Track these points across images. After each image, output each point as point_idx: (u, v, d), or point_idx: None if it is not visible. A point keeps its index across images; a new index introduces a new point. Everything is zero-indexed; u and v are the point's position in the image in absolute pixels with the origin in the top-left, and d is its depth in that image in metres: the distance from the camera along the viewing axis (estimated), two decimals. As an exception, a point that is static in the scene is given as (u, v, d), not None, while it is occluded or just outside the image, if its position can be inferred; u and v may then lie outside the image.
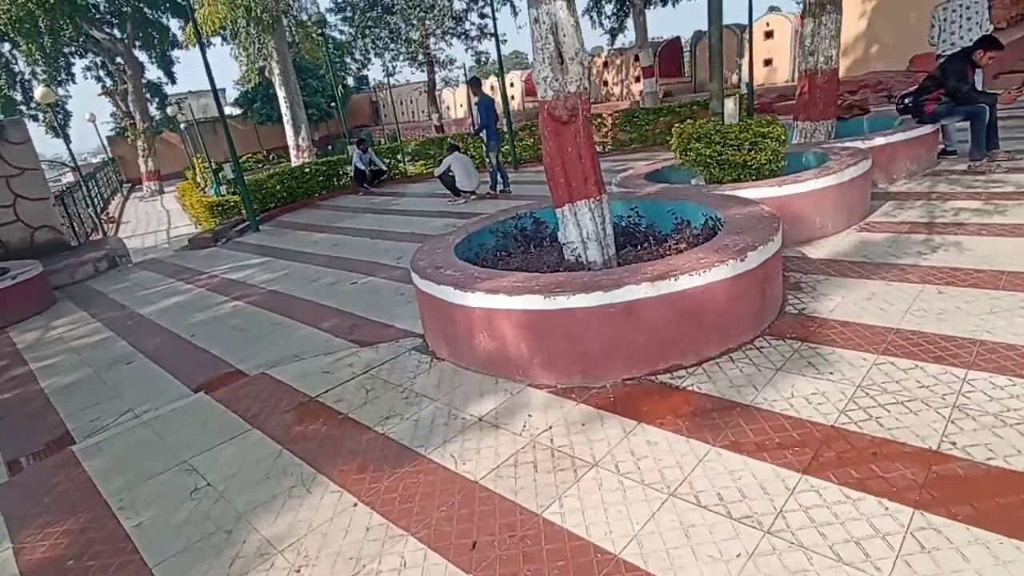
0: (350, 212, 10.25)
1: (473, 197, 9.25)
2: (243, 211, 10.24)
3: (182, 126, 27.54)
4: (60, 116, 29.70)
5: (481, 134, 9.01)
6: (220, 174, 18.14)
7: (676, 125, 5.64)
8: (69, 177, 21.11)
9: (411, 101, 34.94)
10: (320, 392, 3.48)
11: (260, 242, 9.04)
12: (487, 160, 9.13)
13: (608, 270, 3.45)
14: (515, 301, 3.04)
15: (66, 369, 4.94)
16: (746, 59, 11.79)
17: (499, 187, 9.28)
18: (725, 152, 5.18)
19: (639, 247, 4.27)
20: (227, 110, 38.11)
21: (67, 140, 19.15)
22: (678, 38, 21.17)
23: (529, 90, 24.82)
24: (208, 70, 9.34)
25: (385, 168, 12.17)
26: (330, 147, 31.67)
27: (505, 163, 10.54)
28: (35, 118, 28.95)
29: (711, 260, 3.03)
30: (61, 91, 30.56)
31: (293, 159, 17.33)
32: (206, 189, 20.80)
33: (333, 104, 32.63)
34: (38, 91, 14.93)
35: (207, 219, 15.23)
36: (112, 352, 5.15)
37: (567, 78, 3.60)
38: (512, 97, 26.28)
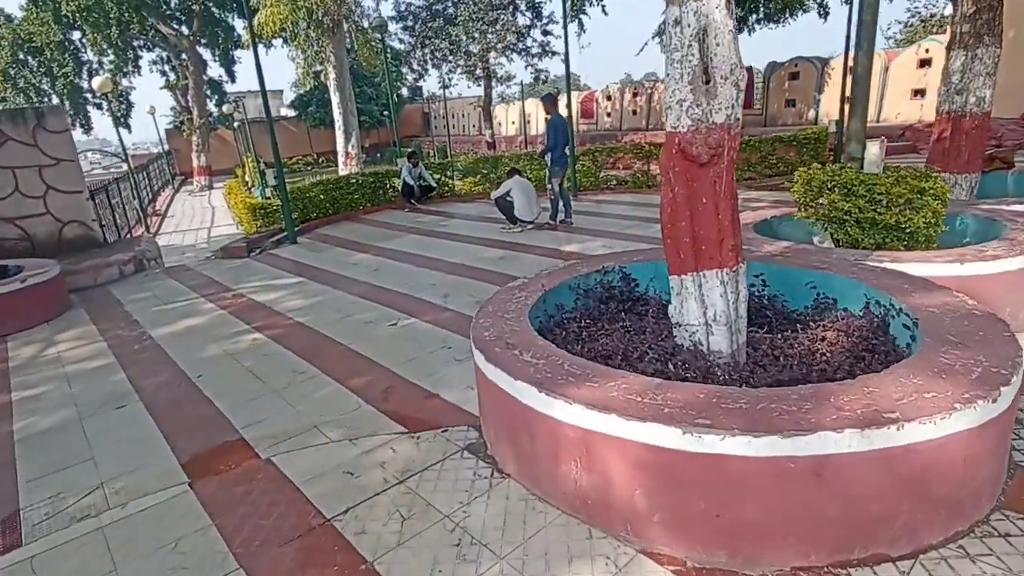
0: (395, 231, 9.40)
1: (530, 227, 8.28)
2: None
3: (235, 124, 27.51)
4: (123, 106, 30.20)
5: (546, 157, 8.05)
6: (266, 176, 17.72)
7: (801, 170, 4.55)
8: (124, 167, 20.99)
9: (463, 115, 34.46)
10: (338, 512, 2.50)
11: (296, 257, 8.24)
12: (549, 186, 8.15)
13: (775, 394, 2.40)
14: (633, 429, 2.02)
15: (50, 406, 4.11)
16: (828, 94, 10.55)
17: (559, 216, 8.29)
18: (869, 209, 4.07)
19: (769, 330, 3.21)
20: (282, 111, 38.41)
21: (120, 129, 18.90)
22: (750, 68, 20.02)
23: (585, 111, 23.91)
24: (259, 69, 8.68)
25: (435, 185, 11.34)
26: (379, 155, 31.35)
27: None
28: (99, 107, 29.49)
29: (946, 396, 1.95)
30: (126, 82, 31.09)
31: (341, 165, 16.74)
32: (252, 189, 20.46)
33: (386, 113, 32.39)
34: (96, 80, 14.65)
35: (248, 221, 14.68)
36: (107, 387, 4.30)
37: (714, 104, 2.59)
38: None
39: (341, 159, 16.75)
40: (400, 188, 11.11)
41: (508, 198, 8.14)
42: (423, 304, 5.55)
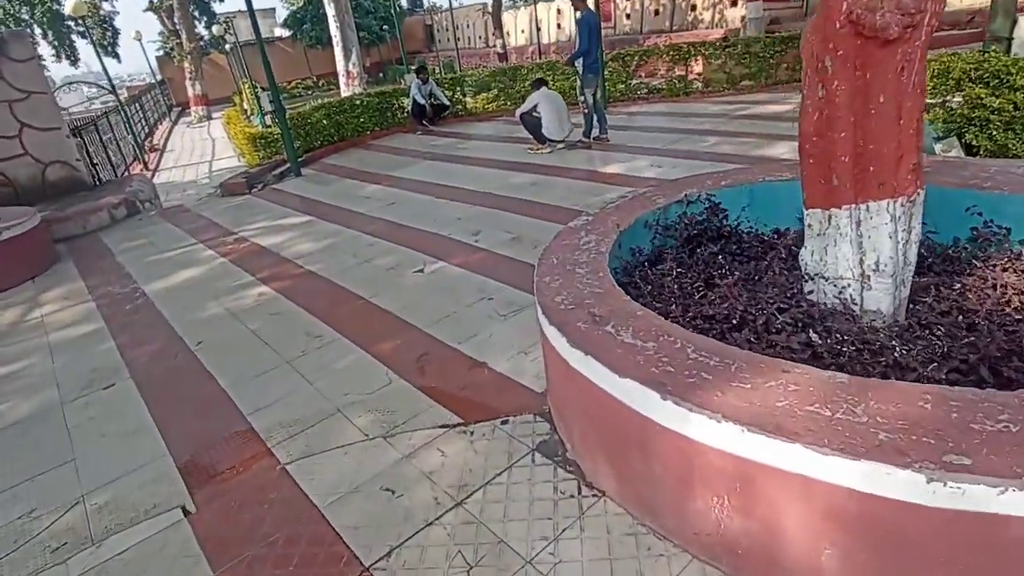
0: (408, 157, 8.44)
1: (560, 146, 7.29)
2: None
3: (227, 47, 25.77)
4: (109, 34, 28.33)
5: (577, 63, 6.93)
6: (262, 101, 16.50)
7: (929, 57, 3.55)
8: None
9: (467, 25, 32.03)
10: (379, 556, 1.84)
11: (301, 192, 7.39)
12: (581, 98, 7.09)
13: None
14: (833, 467, 1.28)
15: (29, 386, 3.49)
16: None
17: (594, 133, 7.27)
18: (1027, 104, 3.13)
19: (920, 274, 2.40)
20: (276, 32, 36.05)
21: (107, 58, 17.56)
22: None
23: (603, 14, 21.75)
24: None
25: (448, 103, 10.19)
26: (381, 75, 29.42)
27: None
28: (83, 35, 27.62)
29: None
30: (108, 6, 29.08)
31: (343, 87, 15.43)
32: (251, 117, 19.26)
33: (386, 27, 30.18)
34: (69, 1, 13.27)
35: (250, 152, 13.71)
36: (93, 360, 3.66)
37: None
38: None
39: (342, 80, 15.41)
40: (410, 108, 10.01)
41: (535, 113, 7.11)
42: (450, 243, 4.77)
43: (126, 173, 12.81)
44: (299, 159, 8.40)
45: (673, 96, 9.81)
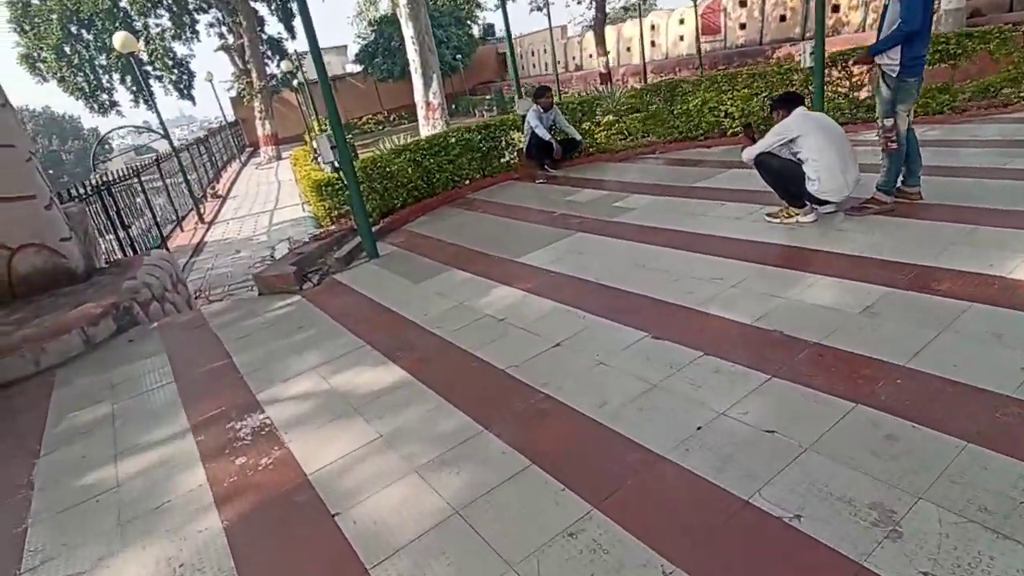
0: (538, 223, 5.34)
1: (829, 210, 3.98)
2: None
3: (295, 83, 24.00)
4: (184, 76, 27.35)
5: (885, 55, 3.64)
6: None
7: None
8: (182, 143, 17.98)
9: (543, 51, 29.37)
10: None
11: (380, 295, 4.36)
12: (883, 124, 3.77)
13: None
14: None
15: None
16: None
17: (897, 183, 3.92)
18: None
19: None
20: (347, 68, 34.69)
21: (150, 99, 15.49)
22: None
23: (707, 27, 18.41)
24: (304, 8, 4.64)
25: (580, 138, 7.07)
26: (454, 106, 27.09)
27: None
28: (160, 79, 26.75)
29: None
30: (184, 50, 28.25)
31: (421, 121, 12.77)
32: (319, 159, 16.97)
33: (458, 56, 27.94)
34: (116, 37, 11.23)
35: (315, 202, 11.14)
36: None
37: None
38: (681, 37, 20.05)
39: (421, 112, 12.74)
40: (525, 147, 6.97)
41: (795, 152, 3.84)
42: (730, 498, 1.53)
43: (162, 240, 10.44)
44: (374, 228, 5.46)
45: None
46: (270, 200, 14.98)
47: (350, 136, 15.31)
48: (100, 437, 3.01)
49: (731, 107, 6.74)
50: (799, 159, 3.81)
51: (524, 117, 7.11)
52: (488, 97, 26.47)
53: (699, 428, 2.18)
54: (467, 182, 7.00)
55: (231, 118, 29.03)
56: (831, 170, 3.72)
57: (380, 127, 27.65)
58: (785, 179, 3.91)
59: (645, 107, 7.38)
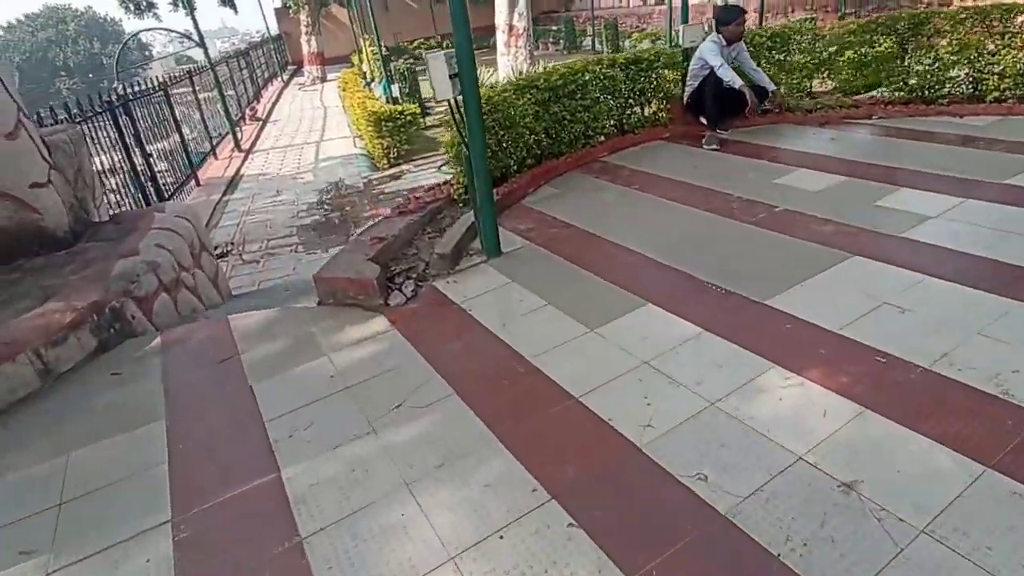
0: (751, 223, 3.35)
1: None
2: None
3: (348, -5, 21.41)
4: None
5: None
6: (393, 65, 11.88)
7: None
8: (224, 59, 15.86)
9: (622, -21, 25.87)
10: None
11: (525, 340, 2.52)
12: None
13: None
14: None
15: None
16: None
17: None
18: None
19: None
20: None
21: (189, 7, 13.58)
22: None
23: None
24: None
25: (773, 86, 4.81)
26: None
27: None
28: (200, -19, 24.21)
29: None
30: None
31: (500, 49, 10.45)
32: (372, 84, 14.79)
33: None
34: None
35: (372, 138, 9.19)
36: None
37: None
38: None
39: (501, 38, 10.41)
40: (689, 93, 4.86)
41: None
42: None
43: (190, 178, 8.65)
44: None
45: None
46: (315, 129, 13.02)
47: (402, 60, 13.03)
48: None
49: (1003, 60, 4.49)
50: None
51: (687, 51, 4.97)
52: (555, 28, 23.42)
53: None
54: (601, 139, 4.95)
55: (274, 31, 26.59)
56: None
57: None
58: None
59: (866, 48, 5.10)
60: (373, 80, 15.23)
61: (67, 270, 3.26)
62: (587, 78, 4.64)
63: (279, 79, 23.30)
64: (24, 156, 3.44)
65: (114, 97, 5.91)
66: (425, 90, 12.65)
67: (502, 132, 4.05)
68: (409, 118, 8.94)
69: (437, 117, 10.77)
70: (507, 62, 10.29)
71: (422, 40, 26.21)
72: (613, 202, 3.98)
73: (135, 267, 3.19)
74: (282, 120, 14.76)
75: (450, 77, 2.89)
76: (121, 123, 6.02)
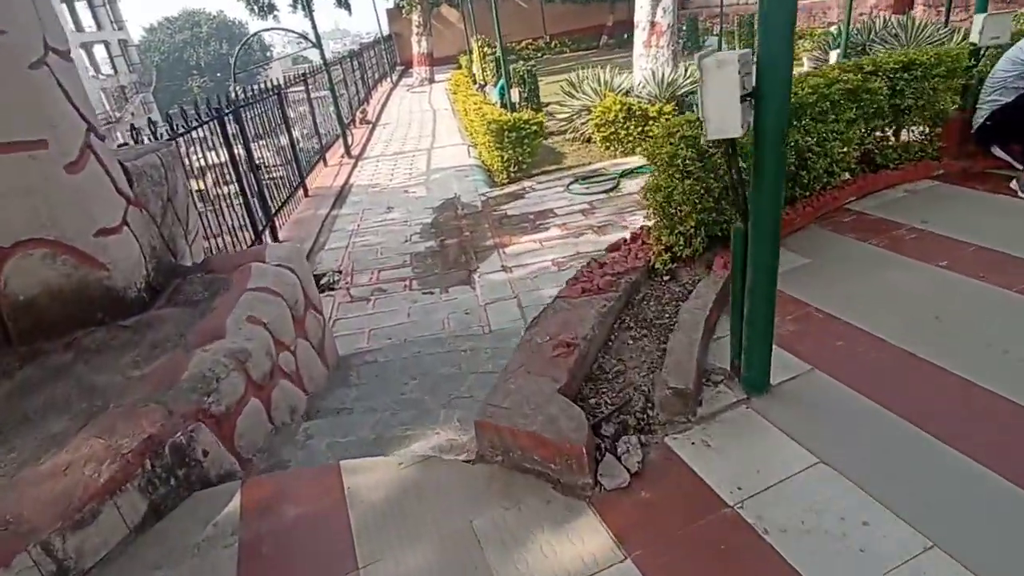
0: None
1: None
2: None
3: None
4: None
5: None
6: (514, 67, 10.78)
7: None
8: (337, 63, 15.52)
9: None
10: None
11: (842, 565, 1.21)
12: None
13: None
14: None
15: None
16: None
17: None
18: None
19: None
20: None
21: (307, 8, 12.85)
22: None
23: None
24: None
25: None
26: (612, 41, 22.32)
27: None
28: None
29: None
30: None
31: (639, 49, 8.98)
32: (485, 87, 13.79)
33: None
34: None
35: (491, 148, 8.12)
36: None
37: None
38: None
39: (640, 37, 8.93)
40: (981, 119, 3.27)
41: None
42: None
43: (298, 185, 7.92)
44: (692, 257, 2.18)
45: None
46: (424, 135, 12.21)
47: (521, 63, 11.91)
48: None
49: None
50: None
51: (981, 51, 3.37)
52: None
53: None
54: (845, 176, 3.45)
55: (385, 32, 26.54)
56: None
57: (539, 54, 23.84)
58: None
59: None
60: (487, 84, 14.27)
61: (127, 360, 2.29)
62: (839, 91, 3.17)
63: (388, 80, 23.10)
64: (91, 194, 2.53)
65: (224, 103, 5.13)
66: (545, 94, 11.44)
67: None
68: (535, 128, 7.78)
69: (554, 124, 9.59)
70: (645, 64, 8.85)
71: (530, 40, 25.14)
72: (909, 286, 2.51)
73: (216, 367, 2.15)
74: (392, 123, 14.14)
75: (742, 99, 1.58)
76: (230, 133, 5.24)
